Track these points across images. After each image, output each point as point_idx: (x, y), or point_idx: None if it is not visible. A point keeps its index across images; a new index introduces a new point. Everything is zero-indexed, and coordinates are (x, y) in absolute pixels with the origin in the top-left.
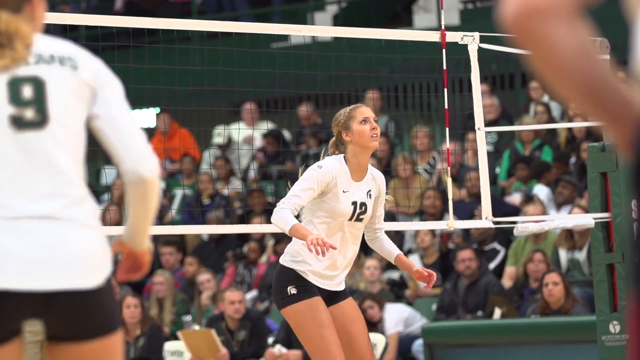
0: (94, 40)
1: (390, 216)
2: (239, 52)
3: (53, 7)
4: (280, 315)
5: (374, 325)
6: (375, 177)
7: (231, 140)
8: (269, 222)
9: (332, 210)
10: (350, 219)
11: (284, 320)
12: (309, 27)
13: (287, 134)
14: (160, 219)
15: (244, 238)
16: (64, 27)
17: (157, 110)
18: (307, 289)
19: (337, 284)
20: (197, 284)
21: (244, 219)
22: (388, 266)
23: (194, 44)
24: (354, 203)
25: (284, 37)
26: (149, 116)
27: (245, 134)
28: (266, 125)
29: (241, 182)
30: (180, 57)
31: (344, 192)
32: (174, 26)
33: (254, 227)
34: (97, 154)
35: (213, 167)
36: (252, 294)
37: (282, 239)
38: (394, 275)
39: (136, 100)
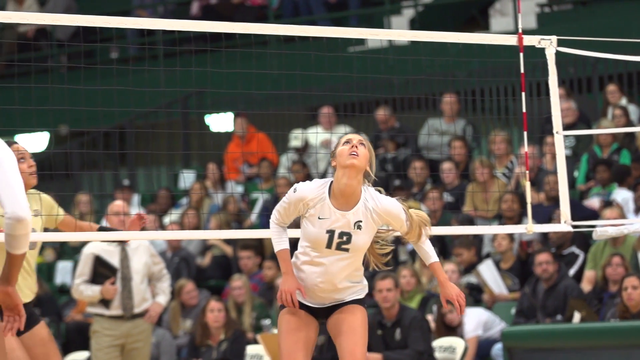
0: (171, 45)
1: (468, 220)
2: (316, 56)
3: (130, 12)
4: None
5: (453, 329)
6: (375, 210)
7: (308, 144)
8: None
9: (308, 237)
10: (329, 247)
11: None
12: (385, 30)
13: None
14: (239, 223)
15: None
16: (141, 32)
17: (235, 114)
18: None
19: (335, 301)
20: (275, 288)
21: None
22: (466, 270)
23: (271, 48)
24: (331, 231)
25: (361, 41)
26: (226, 120)
27: (323, 137)
28: (343, 129)
29: None
30: (257, 61)
31: (319, 218)
32: (251, 30)
33: None
34: (174, 158)
35: (290, 171)
36: None
37: None
38: (472, 279)
39: (214, 104)
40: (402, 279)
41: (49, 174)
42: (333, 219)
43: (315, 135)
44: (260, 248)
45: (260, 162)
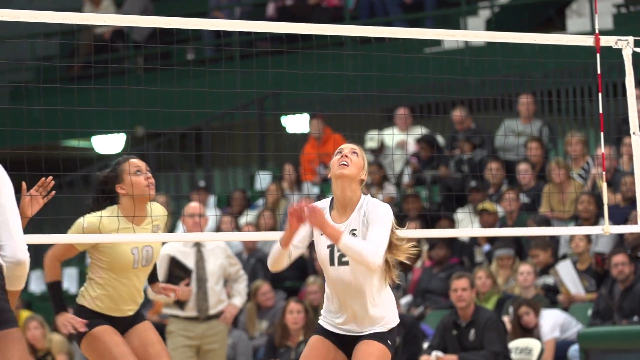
0: (248, 46)
1: (545, 221)
2: (392, 57)
3: (206, 13)
4: (436, 320)
5: (529, 330)
6: (366, 213)
7: (384, 146)
8: (423, 227)
9: (319, 258)
10: (333, 264)
11: (439, 324)
12: (461, 32)
13: (440, 139)
14: None
15: None
16: (217, 33)
17: (311, 115)
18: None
19: (354, 332)
20: None
21: (398, 224)
22: (542, 271)
23: (347, 49)
24: (330, 246)
25: (437, 42)
26: (302, 121)
27: (399, 139)
28: (420, 130)
29: (395, 187)
30: (333, 63)
31: (321, 234)
32: (327, 32)
33: (409, 232)
34: (250, 160)
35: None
36: (407, 299)
37: (436, 244)
38: (549, 280)
39: (290, 105)
40: (478, 280)
41: None
42: None
43: (391, 136)
44: None
45: None
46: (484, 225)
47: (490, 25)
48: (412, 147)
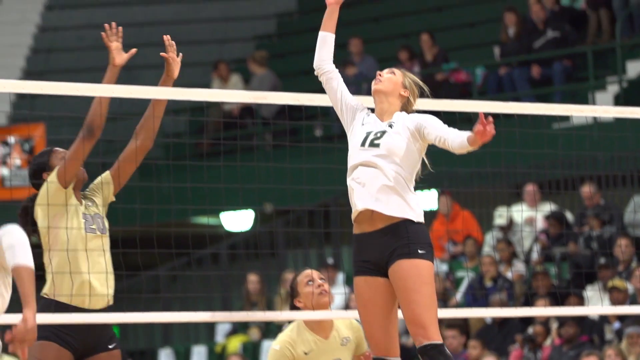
0: None
1: None
2: (521, 132)
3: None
4: None
5: None
6: (403, 114)
7: (513, 222)
8: (553, 304)
9: (351, 140)
10: (363, 146)
11: None
12: (590, 107)
13: (569, 216)
14: (444, 302)
15: (527, 320)
16: None
17: (439, 191)
18: None
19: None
20: None
21: (527, 302)
22: None
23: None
24: (368, 132)
25: (566, 118)
26: (430, 198)
27: (527, 215)
28: (548, 207)
29: (524, 264)
30: None
31: (362, 124)
32: (455, 107)
33: (539, 310)
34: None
35: (495, 249)
36: None
37: (566, 322)
38: None
39: (418, 181)
40: (608, 359)
41: (254, 252)
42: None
43: (520, 212)
44: (465, 327)
45: (465, 240)
46: (614, 302)
47: (619, 101)
48: (540, 223)
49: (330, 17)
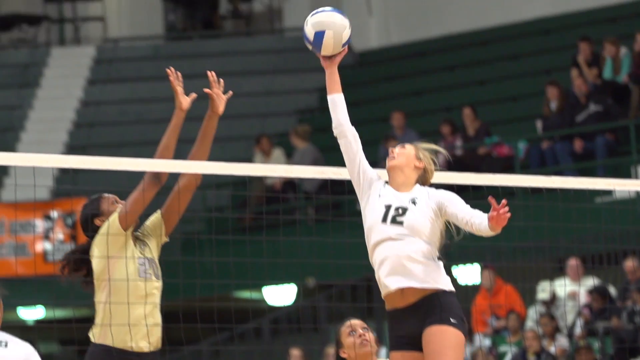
0: None
1: None
2: (564, 206)
3: (375, 163)
4: None
5: None
6: (425, 188)
7: (556, 296)
8: None
9: (369, 214)
10: (384, 222)
11: None
12: (633, 181)
13: (612, 290)
14: None
15: None
16: None
17: (482, 266)
18: None
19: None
20: None
21: None
22: None
23: (518, 199)
24: (388, 206)
25: (609, 192)
26: (473, 272)
27: (571, 289)
28: (591, 281)
29: (567, 338)
30: None
31: (379, 196)
32: (498, 182)
33: None
34: None
35: (538, 323)
36: None
37: None
38: None
39: (460, 256)
40: None
41: (297, 327)
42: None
43: (563, 287)
44: None
45: (508, 315)
46: None
47: None
48: (583, 298)
49: (331, 79)
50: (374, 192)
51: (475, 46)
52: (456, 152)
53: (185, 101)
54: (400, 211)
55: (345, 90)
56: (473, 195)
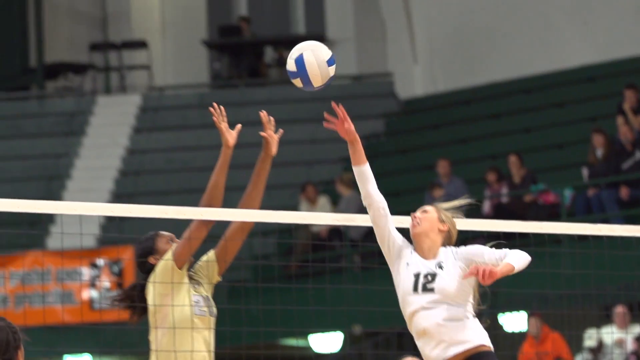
0: (463, 243)
1: None
2: (610, 254)
3: None
4: None
5: None
6: (450, 249)
7: (603, 344)
8: None
9: (399, 285)
10: (416, 291)
11: None
12: None
13: None
14: None
15: None
16: None
17: (529, 313)
18: None
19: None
20: None
21: None
22: None
23: (565, 246)
24: (417, 275)
25: None
26: (520, 320)
27: (617, 337)
28: (638, 329)
29: None
30: (550, 260)
31: (407, 265)
32: (544, 229)
33: None
34: None
35: None
36: None
37: None
38: None
39: (507, 303)
40: None
41: None
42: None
43: (610, 334)
44: None
45: None
46: None
47: None
48: (631, 345)
49: (356, 150)
50: (403, 260)
51: (521, 94)
52: (502, 200)
53: (231, 137)
54: (429, 278)
55: (391, 138)
56: (519, 243)
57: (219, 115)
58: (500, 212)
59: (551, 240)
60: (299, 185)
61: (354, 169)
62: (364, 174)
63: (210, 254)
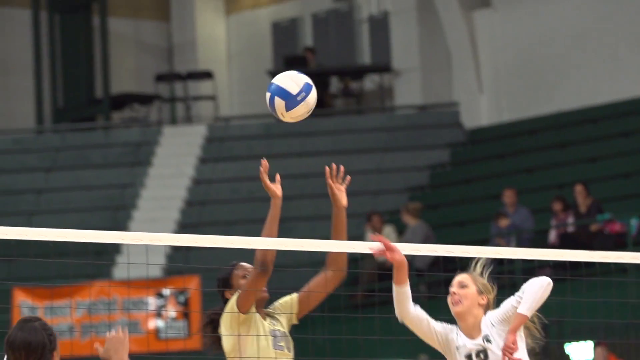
0: (529, 274)
1: None
2: None
3: (488, 240)
4: None
5: None
6: (488, 319)
7: None
8: None
9: None
10: None
11: None
12: None
13: None
14: None
15: None
16: (500, 261)
17: (595, 343)
18: None
19: None
20: None
21: None
22: None
23: (631, 276)
24: (468, 356)
25: None
26: (586, 349)
27: None
28: None
29: None
30: (617, 290)
31: (457, 348)
32: (611, 259)
33: None
34: None
35: None
36: None
37: None
38: None
39: (574, 332)
40: None
41: None
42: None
43: None
44: None
45: None
46: None
47: None
48: None
49: (400, 272)
50: (452, 346)
51: (586, 123)
52: (568, 229)
53: (277, 189)
54: (482, 356)
55: (456, 167)
56: (586, 272)
57: (265, 171)
58: (566, 242)
59: (617, 270)
60: (364, 215)
61: (395, 288)
62: (405, 294)
63: (294, 296)
